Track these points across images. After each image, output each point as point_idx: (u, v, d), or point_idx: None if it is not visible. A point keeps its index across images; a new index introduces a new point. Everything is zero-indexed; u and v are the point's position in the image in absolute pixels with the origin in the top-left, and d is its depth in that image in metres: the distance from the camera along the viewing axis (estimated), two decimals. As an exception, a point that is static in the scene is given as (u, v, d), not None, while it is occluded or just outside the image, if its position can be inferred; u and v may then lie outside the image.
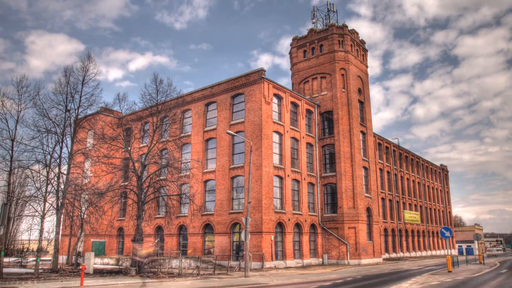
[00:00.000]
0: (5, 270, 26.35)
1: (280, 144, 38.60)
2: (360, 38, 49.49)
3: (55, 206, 28.43)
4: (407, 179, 65.33)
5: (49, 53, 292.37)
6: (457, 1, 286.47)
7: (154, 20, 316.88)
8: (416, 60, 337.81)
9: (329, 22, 49.22)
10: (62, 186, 28.96)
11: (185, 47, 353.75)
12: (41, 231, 27.72)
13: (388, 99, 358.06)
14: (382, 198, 55.22)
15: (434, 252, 70.50)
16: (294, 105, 41.63)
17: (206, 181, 39.48)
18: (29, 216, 32.76)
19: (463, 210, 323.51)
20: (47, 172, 28.13)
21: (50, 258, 36.53)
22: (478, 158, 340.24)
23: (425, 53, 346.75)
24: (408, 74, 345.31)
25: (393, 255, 55.47)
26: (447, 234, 31.49)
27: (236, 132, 36.28)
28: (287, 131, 39.40)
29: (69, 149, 29.82)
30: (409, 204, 64.25)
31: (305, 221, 39.60)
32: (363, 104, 47.03)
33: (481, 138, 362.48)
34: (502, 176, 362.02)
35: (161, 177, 34.26)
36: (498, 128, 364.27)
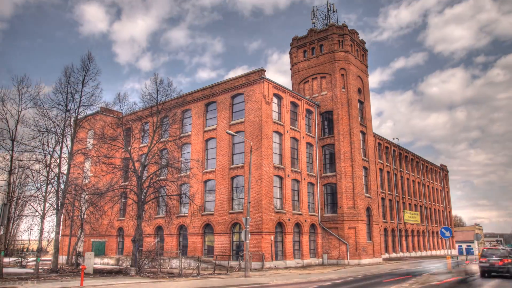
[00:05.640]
0: (5, 270, 26.36)
1: (280, 144, 38.61)
2: (360, 38, 49.51)
3: (55, 206, 28.43)
4: (407, 179, 65.34)
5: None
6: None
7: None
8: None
9: (329, 22, 49.23)
10: (62, 186, 28.96)
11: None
12: (41, 231, 27.72)
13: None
14: (382, 198, 55.23)
15: (434, 252, 70.51)
16: (294, 105, 41.64)
17: (206, 181, 39.49)
18: (29, 216, 32.82)
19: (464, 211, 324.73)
20: (47, 172, 28.14)
21: (50, 258, 36.53)
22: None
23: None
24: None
25: (393, 255, 55.48)
26: (447, 234, 31.50)
27: (236, 132, 36.28)
28: (287, 131, 39.41)
29: (69, 149, 29.81)
30: (409, 204, 64.26)
31: (305, 221, 39.60)
32: (363, 104, 47.04)
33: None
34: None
35: (161, 177, 34.26)
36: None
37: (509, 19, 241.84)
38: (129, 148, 31.61)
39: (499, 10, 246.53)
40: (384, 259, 47.73)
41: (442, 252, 73.38)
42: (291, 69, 49.23)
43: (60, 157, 28.97)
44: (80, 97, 29.87)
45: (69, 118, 29.83)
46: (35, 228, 38.05)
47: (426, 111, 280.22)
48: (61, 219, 31.20)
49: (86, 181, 39.27)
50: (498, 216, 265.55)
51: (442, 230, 31.89)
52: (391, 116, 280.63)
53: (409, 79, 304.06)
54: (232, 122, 38.30)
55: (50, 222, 31.65)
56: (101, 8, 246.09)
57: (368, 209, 44.23)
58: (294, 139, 40.73)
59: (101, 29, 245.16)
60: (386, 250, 53.97)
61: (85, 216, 36.32)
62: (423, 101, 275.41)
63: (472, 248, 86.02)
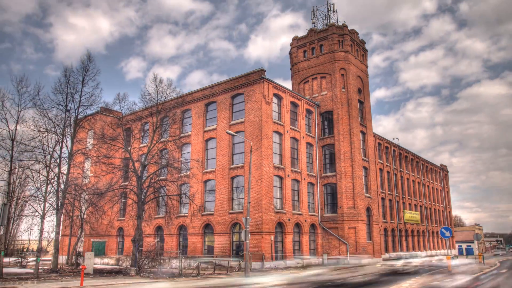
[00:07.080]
0: (5, 270, 26.35)
1: (280, 144, 38.60)
2: (360, 38, 49.49)
3: (55, 206, 28.42)
4: (407, 179, 65.30)
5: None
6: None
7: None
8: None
9: (329, 22, 49.22)
10: (62, 186, 28.95)
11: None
12: (41, 231, 27.71)
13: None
14: (382, 198, 55.20)
15: (434, 252, 70.47)
16: (294, 105, 41.63)
17: (206, 181, 39.48)
18: (29, 216, 32.86)
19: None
20: (47, 172, 28.12)
21: (50, 258, 36.52)
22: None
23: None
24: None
25: (393, 254, 55.45)
26: (447, 234, 31.49)
27: (236, 132, 36.28)
28: (287, 131, 39.40)
29: (69, 149, 29.80)
30: (409, 204, 64.23)
31: (305, 221, 39.60)
32: (363, 104, 47.03)
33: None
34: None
35: (161, 177, 34.27)
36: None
37: (460, 67, 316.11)
38: (129, 148, 31.61)
39: (455, 61, 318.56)
40: (384, 259, 47.71)
41: (442, 252, 73.35)
42: (291, 69, 49.24)
43: (60, 157, 28.97)
44: (80, 97, 29.88)
45: (69, 118, 29.83)
46: (35, 228, 38.18)
47: (405, 131, 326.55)
48: (61, 219, 31.20)
49: (86, 181, 39.28)
50: (485, 217, 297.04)
51: (442, 230, 31.88)
52: (377, 133, 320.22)
53: (389, 106, 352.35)
54: (232, 122, 38.29)
55: (50, 222, 31.69)
56: (144, 62, 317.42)
57: (368, 209, 44.22)
58: (294, 139, 40.72)
59: (138, 76, 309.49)
60: (386, 250, 53.93)
61: (85, 216, 36.30)
62: (401, 122, 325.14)
63: (472, 248, 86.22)
